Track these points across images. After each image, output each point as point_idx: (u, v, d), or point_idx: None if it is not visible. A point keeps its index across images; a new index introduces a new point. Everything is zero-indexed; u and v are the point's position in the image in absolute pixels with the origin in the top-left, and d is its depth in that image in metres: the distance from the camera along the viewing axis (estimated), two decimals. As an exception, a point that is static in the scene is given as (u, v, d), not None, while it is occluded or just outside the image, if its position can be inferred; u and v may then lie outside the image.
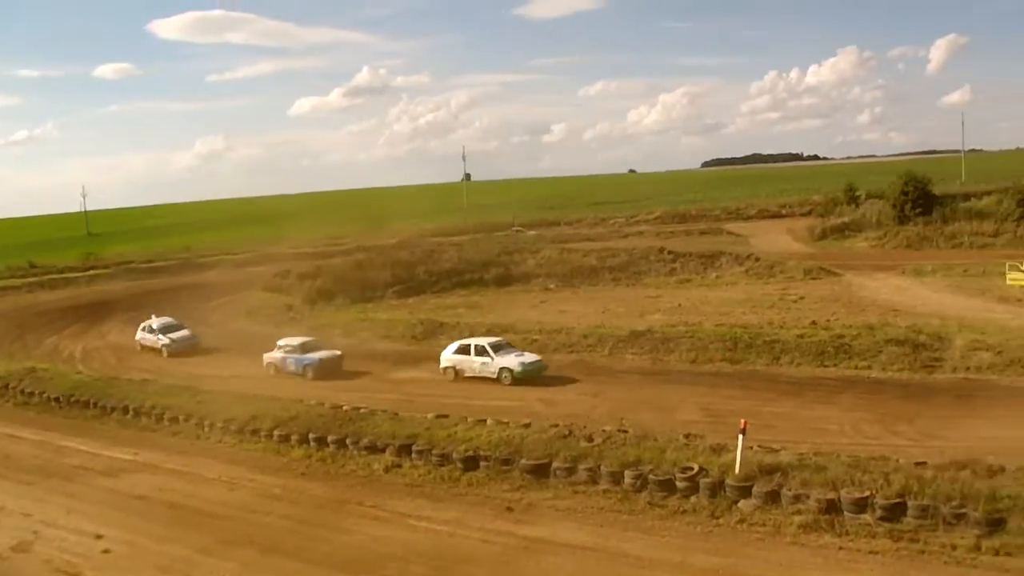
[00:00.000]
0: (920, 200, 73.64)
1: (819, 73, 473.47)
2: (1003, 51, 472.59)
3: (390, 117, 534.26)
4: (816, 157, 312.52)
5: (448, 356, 38.27)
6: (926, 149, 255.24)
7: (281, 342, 41.41)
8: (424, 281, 63.72)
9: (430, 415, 30.11)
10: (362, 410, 31.61)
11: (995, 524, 19.27)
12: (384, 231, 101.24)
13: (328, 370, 39.69)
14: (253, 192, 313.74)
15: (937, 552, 19.07)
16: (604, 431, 27.08)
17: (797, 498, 21.57)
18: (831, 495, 21.18)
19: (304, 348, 40.62)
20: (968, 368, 33.34)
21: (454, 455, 26.47)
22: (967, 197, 79.50)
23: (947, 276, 53.40)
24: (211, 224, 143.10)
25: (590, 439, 26.33)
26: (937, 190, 77.90)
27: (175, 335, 48.62)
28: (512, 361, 36.76)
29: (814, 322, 41.28)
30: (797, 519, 21.00)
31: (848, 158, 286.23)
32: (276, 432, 30.40)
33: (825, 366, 35.30)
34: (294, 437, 29.91)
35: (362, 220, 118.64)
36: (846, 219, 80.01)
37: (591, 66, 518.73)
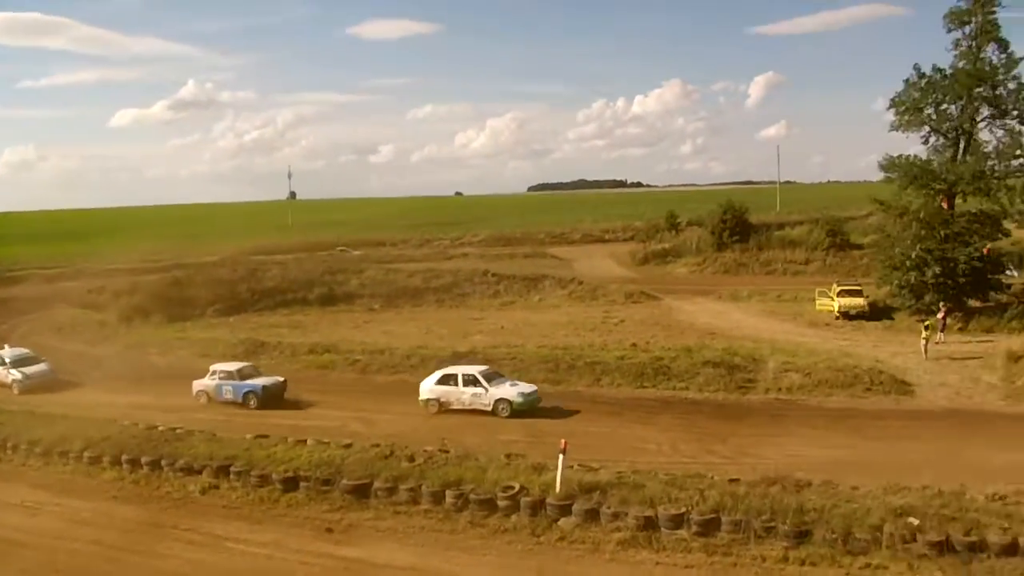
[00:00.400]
0: (737, 228, 77.24)
1: (644, 103, 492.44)
2: (816, 91, 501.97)
3: (215, 133, 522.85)
4: (640, 184, 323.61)
5: (430, 387, 35.09)
6: (744, 180, 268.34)
7: (215, 367, 38.04)
8: (246, 300, 62.47)
9: (249, 435, 29.58)
10: (179, 430, 30.72)
11: (802, 536, 20.53)
12: (205, 248, 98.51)
13: (272, 398, 36.84)
14: (68, 204, 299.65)
15: (748, 564, 20.11)
16: (426, 451, 27.23)
17: (616, 515, 22.26)
18: (649, 512, 22.01)
19: (242, 374, 37.43)
20: (779, 389, 35.17)
21: (273, 476, 26.08)
22: (781, 226, 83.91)
23: (762, 301, 56.16)
24: (19, 237, 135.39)
25: (411, 459, 26.43)
26: (754, 219, 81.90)
27: (29, 370, 42.15)
28: (510, 392, 34.01)
29: (634, 344, 42.63)
30: (616, 536, 21.68)
31: (670, 186, 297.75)
32: (86, 454, 29.15)
33: (644, 387, 36.46)
34: (106, 458, 28.74)
35: (182, 236, 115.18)
36: (667, 245, 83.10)
37: (421, 89, 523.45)
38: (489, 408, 33.69)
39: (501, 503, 23.41)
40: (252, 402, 36.44)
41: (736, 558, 20.36)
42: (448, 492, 24.05)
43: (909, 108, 49.07)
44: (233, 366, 38.14)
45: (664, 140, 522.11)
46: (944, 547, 19.61)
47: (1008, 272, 52.02)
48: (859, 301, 49.45)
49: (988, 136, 48.92)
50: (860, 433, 29.98)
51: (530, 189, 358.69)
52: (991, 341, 41.56)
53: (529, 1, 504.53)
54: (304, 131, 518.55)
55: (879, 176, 51.54)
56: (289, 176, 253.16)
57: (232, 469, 26.82)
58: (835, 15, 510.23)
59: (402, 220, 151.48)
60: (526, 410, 33.43)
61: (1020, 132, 48.01)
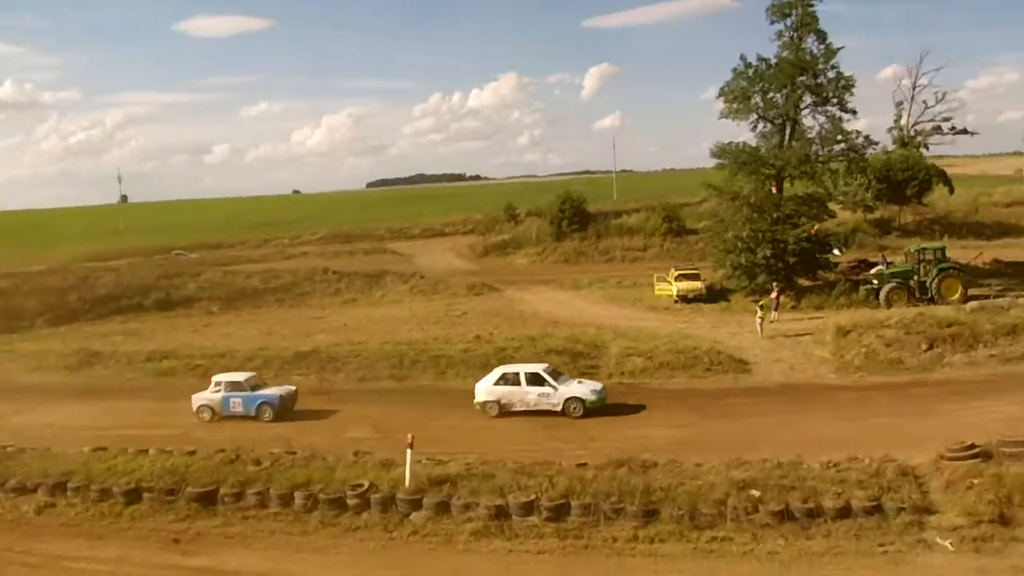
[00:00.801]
0: (576, 218, 78.59)
1: (481, 97, 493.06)
2: (650, 81, 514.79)
3: (37, 134, 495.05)
4: (478, 177, 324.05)
5: (488, 388, 32.88)
6: (582, 170, 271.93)
7: (218, 378, 35.14)
8: (78, 309, 59.81)
9: (87, 448, 28.51)
10: (9, 448, 29.37)
11: (650, 514, 21.30)
12: (32, 256, 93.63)
13: (288, 409, 34.38)
14: None
15: (600, 546, 20.71)
16: (272, 454, 26.91)
17: (467, 507, 22.55)
18: (499, 501, 22.38)
19: (251, 384, 34.76)
20: (623, 373, 36.14)
21: (114, 489, 25.22)
22: (619, 214, 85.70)
23: (602, 288, 57.33)
24: None
25: (258, 463, 26.08)
26: (592, 208, 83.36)
27: None
28: (582, 390, 32.30)
29: (478, 336, 42.97)
30: (468, 527, 21.96)
31: (509, 178, 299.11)
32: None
33: (491, 378, 36.83)
34: (-75, 483, 27.03)
35: (6, 244, 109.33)
36: (507, 236, 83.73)
37: (255, 86, 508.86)
38: (558, 408, 31.87)
39: (351, 501, 23.36)
40: (267, 414, 33.76)
41: (587, 541, 20.91)
42: (297, 494, 23.83)
43: (738, 97, 51.22)
44: (240, 376, 35.46)
45: (501, 133, 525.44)
46: (784, 515, 20.73)
47: (834, 251, 54.64)
48: (696, 284, 51.11)
49: (812, 122, 51.65)
50: (702, 412, 31.15)
51: (369, 185, 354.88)
52: (821, 317, 43.70)
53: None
54: (133, 132, 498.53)
55: (712, 163, 53.64)
56: (119, 179, 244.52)
57: (69, 485, 25.78)
58: (667, 7, 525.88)
59: (239, 221, 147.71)
60: (598, 408, 31.91)
61: (840, 118, 50.85)
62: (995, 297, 44.22)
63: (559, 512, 21.82)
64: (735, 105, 51.38)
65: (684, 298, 50.22)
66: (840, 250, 57.56)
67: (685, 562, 19.84)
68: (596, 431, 29.54)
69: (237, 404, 33.98)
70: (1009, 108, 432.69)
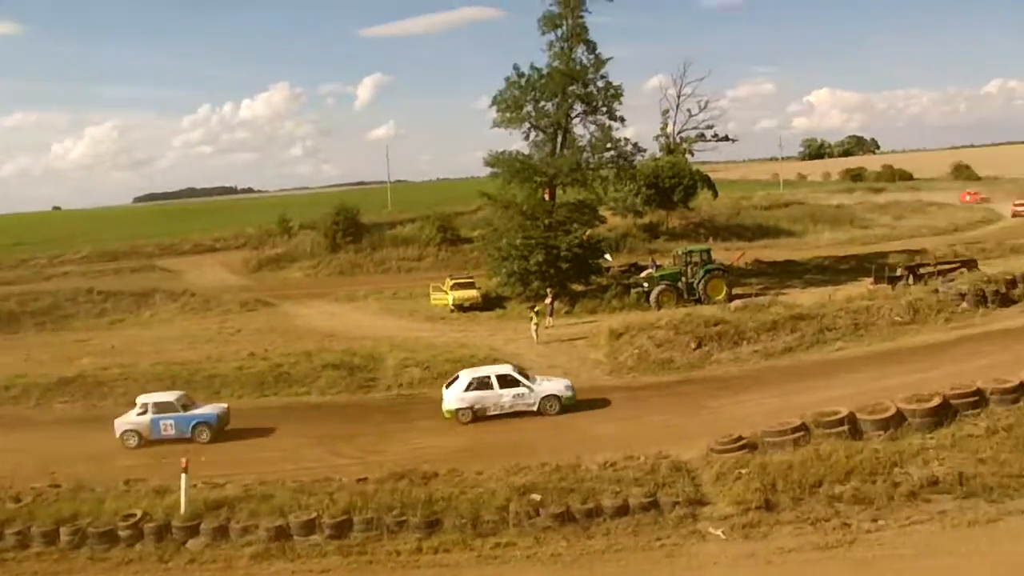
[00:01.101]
0: (351, 229, 77.87)
1: (252, 107, 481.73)
2: (424, 91, 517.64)
3: None
4: (251, 190, 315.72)
5: (460, 395, 31.99)
6: (356, 181, 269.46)
7: (143, 400, 32.28)
8: None
9: None
10: None
11: (433, 525, 21.40)
12: None
13: (223, 428, 32.15)
14: None
15: (384, 560, 20.62)
16: (34, 488, 25.34)
17: (246, 529, 21.96)
18: (280, 522, 21.91)
19: (182, 403, 32.23)
20: (401, 385, 36.10)
21: None
22: (393, 225, 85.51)
23: (378, 300, 57.07)
24: None
25: (17, 499, 24.49)
26: (366, 219, 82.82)
27: None
28: (556, 387, 32.33)
29: (252, 353, 41.81)
30: (248, 550, 21.39)
31: (282, 190, 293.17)
32: None
33: (266, 395, 36.08)
34: None
35: None
36: (280, 250, 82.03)
37: (7, 95, 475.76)
38: (534, 408, 31.74)
39: (123, 533, 22.29)
40: (204, 435, 31.59)
41: (371, 556, 20.78)
42: (63, 529, 22.47)
43: (510, 106, 52.25)
44: (169, 395, 32.71)
45: (273, 144, 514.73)
46: (565, 517, 21.32)
47: (606, 256, 56.53)
48: (472, 293, 51.71)
49: (582, 131, 53.36)
50: (481, 419, 31.47)
51: (136, 200, 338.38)
52: (595, 321, 45.15)
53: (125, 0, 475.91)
54: None
55: (486, 172, 54.40)
56: None
57: None
58: (443, 17, 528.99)
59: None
60: (572, 406, 31.88)
61: (610, 127, 52.84)
62: (757, 296, 47.28)
63: (341, 529, 21.56)
64: (508, 114, 52.38)
65: (460, 307, 50.70)
66: (611, 255, 59.59)
67: (470, 570, 20.02)
68: (376, 445, 29.33)
69: (169, 427, 31.74)
70: (765, 117, 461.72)
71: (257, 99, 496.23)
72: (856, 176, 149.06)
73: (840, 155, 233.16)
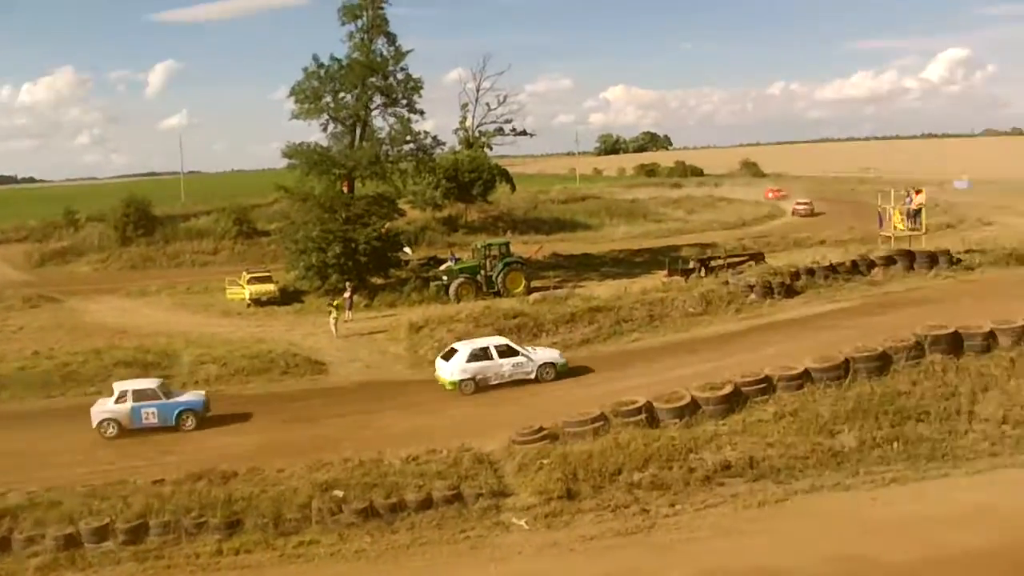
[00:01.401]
0: (142, 221, 75.09)
1: (33, 92, 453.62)
2: (219, 79, 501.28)
3: None
4: (33, 180, 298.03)
5: (462, 367, 32.41)
6: (147, 171, 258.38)
7: (120, 387, 30.20)
8: None
9: None
10: None
11: (233, 526, 21.16)
12: None
13: (206, 416, 30.58)
14: None
15: (183, 564, 20.23)
16: None
17: (31, 540, 21.05)
18: (69, 529, 21.14)
19: (165, 391, 30.43)
20: (197, 382, 34.99)
21: None
22: (187, 217, 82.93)
23: (172, 295, 55.37)
24: None
25: None
26: (159, 211, 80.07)
27: None
28: (551, 355, 33.97)
29: (36, 352, 39.78)
30: (34, 562, 20.54)
31: (68, 180, 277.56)
32: None
33: (53, 396, 34.20)
34: None
35: None
36: (66, 243, 78.25)
37: None
38: (532, 376, 33.01)
39: None
40: (189, 422, 30.09)
41: (169, 560, 20.36)
42: None
43: (309, 97, 51.70)
44: (150, 382, 31.07)
45: (58, 131, 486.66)
46: (369, 512, 21.55)
47: (405, 249, 56.75)
48: (269, 287, 50.93)
49: (382, 123, 53.45)
50: (281, 416, 31.10)
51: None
52: (394, 315, 45.26)
53: None
54: None
55: (283, 163, 53.79)
56: None
57: None
58: (239, 3, 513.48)
59: None
60: (565, 372, 33.32)
61: (409, 119, 53.08)
62: (555, 288, 48.43)
63: (137, 533, 21.00)
64: (306, 105, 51.81)
65: (257, 301, 49.79)
66: (411, 248, 59.84)
67: (272, 570, 19.93)
68: (171, 445, 28.46)
69: (151, 415, 30.04)
70: (563, 112, 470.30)
71: (39, 83, 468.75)
72: (650, 171, 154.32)
73: (635, 151, 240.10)
